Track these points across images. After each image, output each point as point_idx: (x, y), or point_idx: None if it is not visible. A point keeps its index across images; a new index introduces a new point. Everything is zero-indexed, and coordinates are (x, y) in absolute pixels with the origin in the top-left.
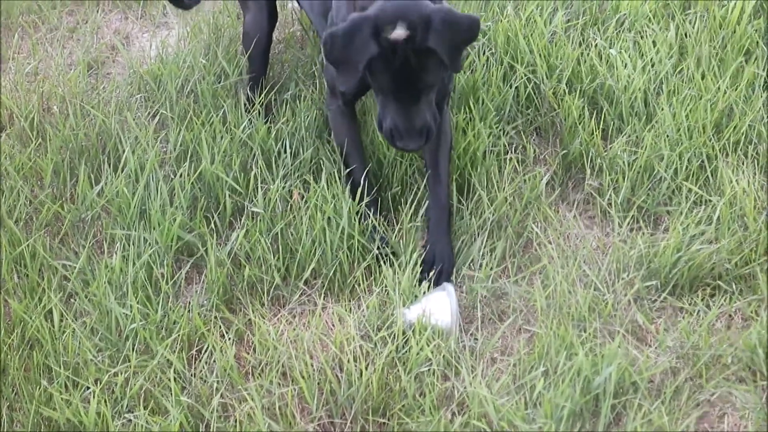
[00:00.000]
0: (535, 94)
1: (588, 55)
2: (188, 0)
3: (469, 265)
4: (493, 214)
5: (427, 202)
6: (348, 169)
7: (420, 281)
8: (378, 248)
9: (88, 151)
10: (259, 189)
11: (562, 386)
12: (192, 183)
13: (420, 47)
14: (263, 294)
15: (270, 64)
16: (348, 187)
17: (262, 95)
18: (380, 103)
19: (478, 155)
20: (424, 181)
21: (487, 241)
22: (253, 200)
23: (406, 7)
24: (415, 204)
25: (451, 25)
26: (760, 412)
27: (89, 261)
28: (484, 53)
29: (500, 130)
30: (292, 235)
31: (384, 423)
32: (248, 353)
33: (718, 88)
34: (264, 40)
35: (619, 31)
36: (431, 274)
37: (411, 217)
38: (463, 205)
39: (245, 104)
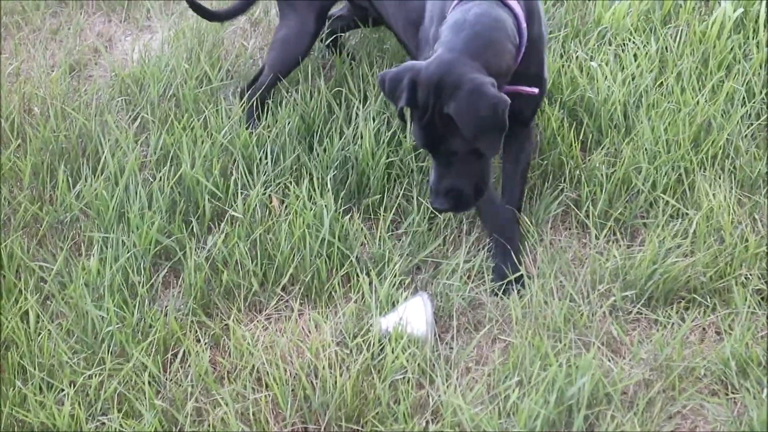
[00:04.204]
0: None
1: (569, 66)
2: (222, 12)
3: (447, 274)
4: (471, 223)
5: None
6: None
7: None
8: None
9: (68, 153)
10: (239, 194)
11: (535, 396)
12: (171, 187)
13: (442, 111)
14: (240, 299)
15: (251, 69)
16: None
17: (250, 99)
18: None
19: None
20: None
21: (464, 250)
22: (232, 205)
23: (450, 67)
24: (393, 212)
25: (476, 99)
26: (731, 426)
27: (66, 263)
28: None
29: None
30: (271, 241)
31: (358, 430)
32: (224, 358)
33: (697, 102)
34: (297, 60)
35: (601, 44)
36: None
37: (389, 226)
38: (441, 214)
39: (247, 107)
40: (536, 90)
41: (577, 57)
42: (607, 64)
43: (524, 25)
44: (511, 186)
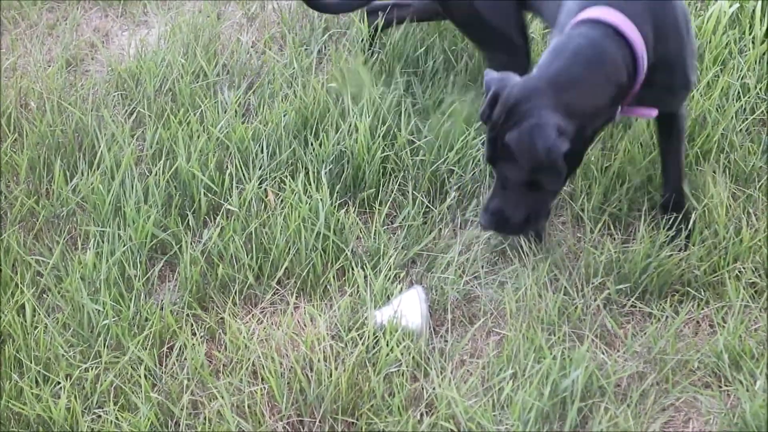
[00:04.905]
0: None
1: None
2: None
3: (442, 268)
4: (466, 217)
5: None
6: None
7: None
8: None
9: (65, 147)
10: (235, 188)
11: (530, 389)
12: (167, 181)
13: (504, 136)
14: (236, 293)
15: (247, 63)
16: None
17: None
18: None
19: (450, 157)
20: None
21: (460, 243)
22: (228, 199)
23: (528, 95)
24: (388, 206)
25: (534, 137)
26: (724, 418)
27: (63, 257)
28: (456, 60)
29: (476, 132)
30: (266, 234)
31: (353, 423)
32: (219, 351)
33: (693, 97)
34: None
35: None
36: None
37: (384, 220)
38: (436, 208)
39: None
40: (654, 112)
41: None
42: None
43: (642, 54)
44: (670, 166)
